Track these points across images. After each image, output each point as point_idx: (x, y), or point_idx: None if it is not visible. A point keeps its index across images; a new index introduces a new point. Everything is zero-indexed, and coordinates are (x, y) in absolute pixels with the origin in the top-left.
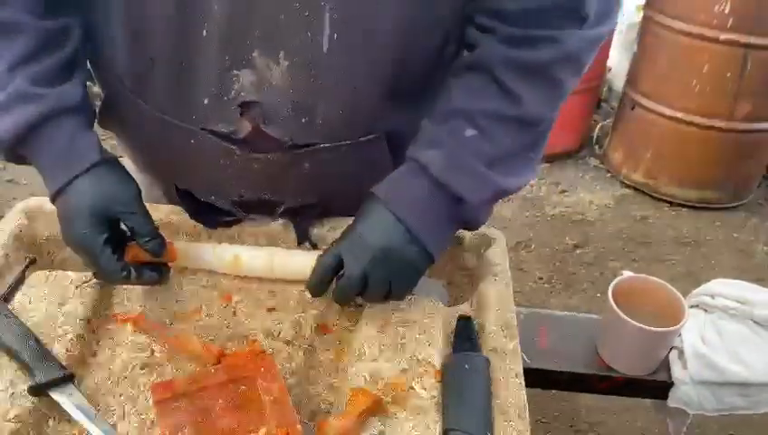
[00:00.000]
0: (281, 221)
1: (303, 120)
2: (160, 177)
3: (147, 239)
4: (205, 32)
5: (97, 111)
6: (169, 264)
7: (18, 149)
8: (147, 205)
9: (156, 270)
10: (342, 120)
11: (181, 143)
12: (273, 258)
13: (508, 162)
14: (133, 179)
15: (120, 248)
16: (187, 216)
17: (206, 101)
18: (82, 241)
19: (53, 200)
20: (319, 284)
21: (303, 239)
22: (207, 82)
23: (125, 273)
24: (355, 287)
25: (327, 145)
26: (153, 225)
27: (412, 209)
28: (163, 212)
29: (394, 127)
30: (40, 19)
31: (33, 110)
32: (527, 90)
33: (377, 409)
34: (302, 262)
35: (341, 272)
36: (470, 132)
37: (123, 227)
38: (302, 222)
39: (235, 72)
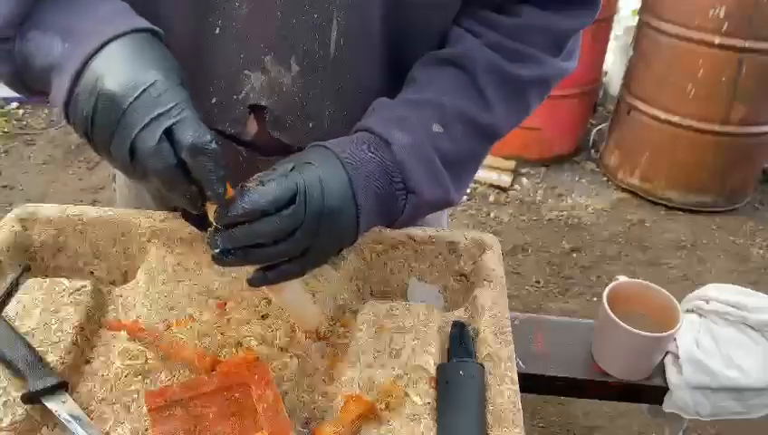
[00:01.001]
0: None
1: (311, 125)
2: None
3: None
4: (218, 30)
5: None
6: None
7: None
8: (138, 210)
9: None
10: (348, 123)
11: None
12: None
13: (459, 169)
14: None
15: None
16: (180, 222)
17: (213, 101)
18: (161, 81)
19: (81, 71)
20: (246, 215)
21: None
22: (218, 82)
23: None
24: (297, 249)
25: None
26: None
27: (365, 181)
28: (157, 218)
29: None
30: None
31: None
32: (501, 101)
33: (370, 415)
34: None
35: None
36: (437, 128)
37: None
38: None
39: (247, 72)
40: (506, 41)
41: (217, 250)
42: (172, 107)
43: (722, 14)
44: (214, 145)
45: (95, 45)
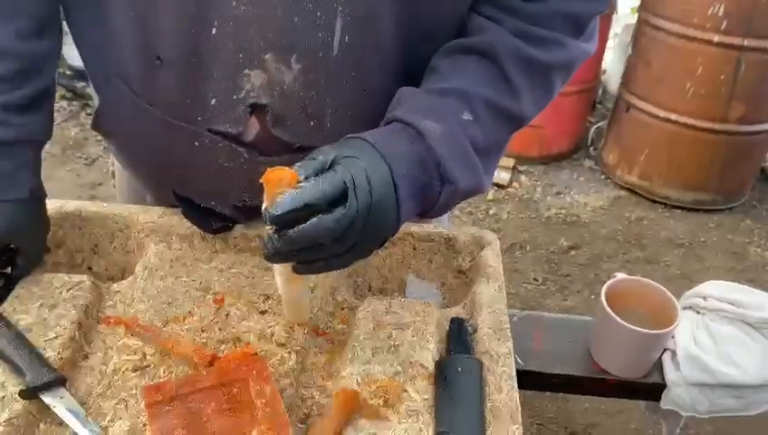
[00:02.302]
0: None
1: (312, 124)
2: (158, 182)
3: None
4: (214, 30)
5: (93, 113)
6: None
7: None
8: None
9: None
10: (350, 123)
11: (185, 146)
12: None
13: (488, 156)
14: (43, 223)
15: None
16: (179, 218)
17: (213, 102)
18: None
19: None
20: (302, 210)
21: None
22: (217, 81)
23: None
24: (348, 244)
25: None
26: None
27: (404, 171)
28: (156, 214)
29: None
30: (26, 42)
31: None
32: (527, 86)
33: (360, 408)
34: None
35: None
36: (467, 116)
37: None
38: None
39: (247, 71)
40: (529, 27)
41: (272, 253)
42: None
43: (721, 13)
44: None
45: None
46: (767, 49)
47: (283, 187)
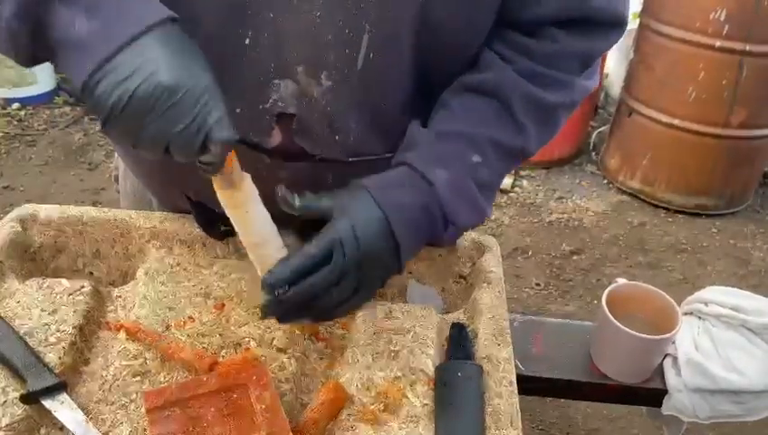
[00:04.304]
0: (290, 235)
1: (337, 138)
2: (169, 186)
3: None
4: (248, 40)
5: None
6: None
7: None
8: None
9: None
10: (372, 137)
11: None
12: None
13: (492, 189)
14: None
15: None
16: (180, 223)
17: (238, 110)
18: (209, 82)
19: (110, 58)
20: (293, 276)
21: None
22: (244, 90)
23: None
24: (347, 292)
25: (353, 159)
26: None
27: (405, 220)
28: (157, 219)
29: None
30: None
31: None
32: (533, 125)
33: (341, 397)
34: None
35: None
36: (475, 158)
37: None
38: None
39: (277, 81)
40: (538, 67)
41: (272, 316)
42: (213, 105)
43: (722, 18)
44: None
45: (129, 34)
46: None
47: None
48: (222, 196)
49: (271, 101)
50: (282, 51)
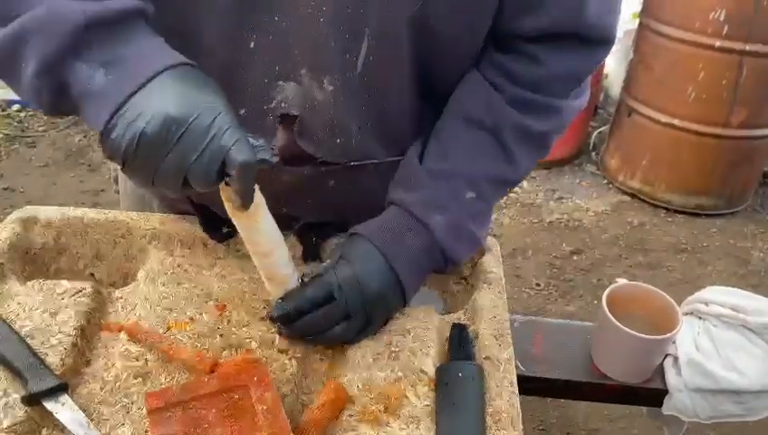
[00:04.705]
0: (291, 238)
1: (339, 141)
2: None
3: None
4: (252, 43)
5: None
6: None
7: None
8: (138, 212)
9: None
10: (374, 141)
11: None
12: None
13: (486, 217)
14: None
15: None
16: (181, 224)
17: (242, 112)
18: (222, 106)
19: (123, 103)
20: (293, 313)
21: (311, 256)
22: (249, 92)
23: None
24: (354, 331)
25: (355, 163)
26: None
27: (409, 265)
28: (157, 220)
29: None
30: None
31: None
32: (525, 155)
33: (341, 401)
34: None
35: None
36: (470, 194)
37: None
38: (316, 239)
39: (281, 83)
40: (528, 94)
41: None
42: (227, 129)
43: (722, 17)
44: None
45: (140, 80)
46: None
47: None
48: (231, 210)
49: (275, 102)
50: (286, 53)
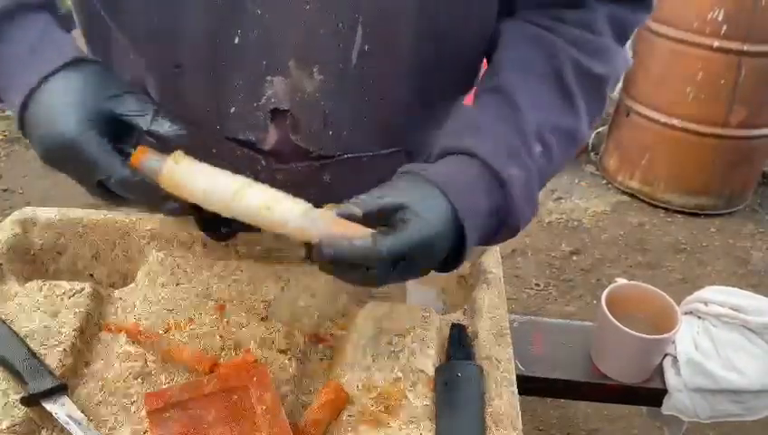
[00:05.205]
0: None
1: (331, 133)
2: None
3: (158, 120)
4: (237, 39)
5: None
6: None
7: None
8: (138, 213)
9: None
10: (368, 133)
11: (202, 154)
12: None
13: (547, 179)
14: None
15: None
16: (180, 225)
17: (233, 110)
18: (71, 140)
19: (22, 113)
20: (351, 257)
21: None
22: (237, 89)
23: (137, 178)
24: (418, 252)
25: (350, 156)
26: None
27: (476, 231)
28: (157, 220)
29: (418, 139)
30: None
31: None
32: (587, 102)
33: (341, 401)
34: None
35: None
36: (538, 148)
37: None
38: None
39: (269, 78)
40: (583, 33)
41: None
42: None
43: (720, 17)
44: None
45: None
46: (767, 53)
47: (347, 229)
48: (166, 184)
49: (264, 98)
50: (272, 47)
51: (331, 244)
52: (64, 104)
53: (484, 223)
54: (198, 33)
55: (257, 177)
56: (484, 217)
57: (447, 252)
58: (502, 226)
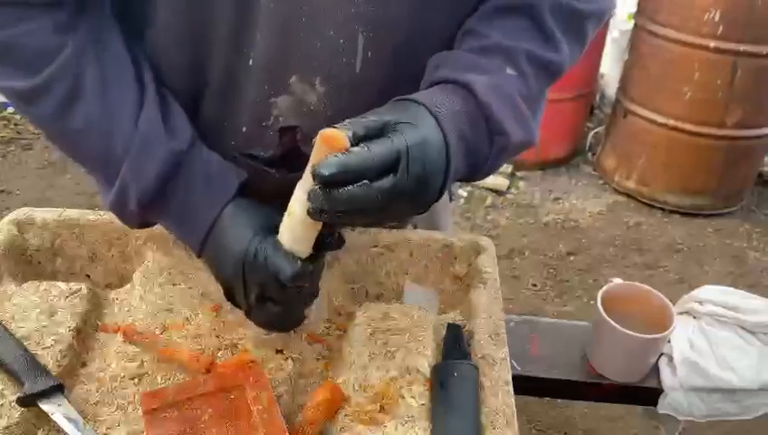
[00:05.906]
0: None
1: None
2: None
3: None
4: (251, 61)
5: None
6: None
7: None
8: None
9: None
10: None
11: None
12: None
13: (535, 104)
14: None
15: None
16: None
17: (244, 129)
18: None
19: (203, 244)
20: (350, 177)
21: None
22: (247, 112)
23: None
24: (393, 198)
25: None
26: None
27: (459, 137)
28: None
29: None
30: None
31: (166, 150)
32: (565, 38)
33: (337, 401)
34: None
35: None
36: (510, 71)
37: None
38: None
39: (273, 99)
40: None
41: (316, 210)
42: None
43: (717, 18)
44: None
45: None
46: (763, 54)
47: (335, 148)
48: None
49: (272, 117)
50: (274, 67)
51: (323, 163)
52: (248, 224)
53: (462, 126)
54: (217, 58)
55: (270, 187)
56: (462, 119)
57: (444, 166)
58: (491, 135)
